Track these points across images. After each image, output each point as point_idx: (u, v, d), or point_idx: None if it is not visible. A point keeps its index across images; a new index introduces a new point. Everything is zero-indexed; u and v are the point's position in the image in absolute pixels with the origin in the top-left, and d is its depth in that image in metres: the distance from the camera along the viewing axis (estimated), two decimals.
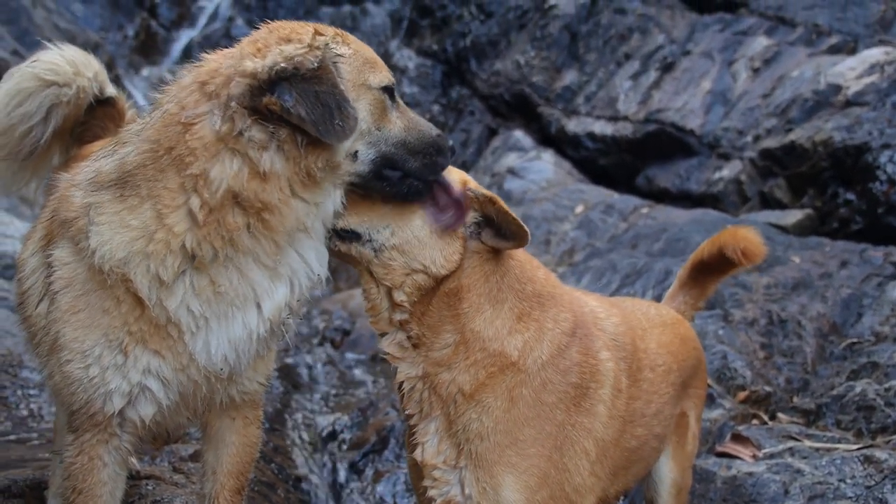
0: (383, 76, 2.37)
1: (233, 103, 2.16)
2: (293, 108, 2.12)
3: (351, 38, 2.40)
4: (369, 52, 2.42)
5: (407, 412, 2.54)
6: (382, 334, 2.52)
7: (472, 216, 2.49)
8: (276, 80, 2.14)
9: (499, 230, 2.48)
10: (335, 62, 2.26)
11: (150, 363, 2.29)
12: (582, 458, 2.53)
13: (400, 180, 2.38)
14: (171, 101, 2.26)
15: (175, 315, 2.25)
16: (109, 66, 9.40)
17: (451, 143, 2.51)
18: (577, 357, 2.56)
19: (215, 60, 2.28)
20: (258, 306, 2.29)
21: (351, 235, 2.42)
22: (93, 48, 9.47)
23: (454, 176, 2.52)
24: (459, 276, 2.44)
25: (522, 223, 2.45)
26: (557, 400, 2.49)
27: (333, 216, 2.36)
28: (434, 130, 2.48)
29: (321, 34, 2.30)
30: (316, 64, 2.19)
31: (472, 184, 2.53)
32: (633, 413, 2.73)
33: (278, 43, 2.24)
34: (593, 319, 2.72)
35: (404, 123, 2.41)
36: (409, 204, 2.43)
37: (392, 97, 2.41)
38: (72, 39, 3.31)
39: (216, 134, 2.17)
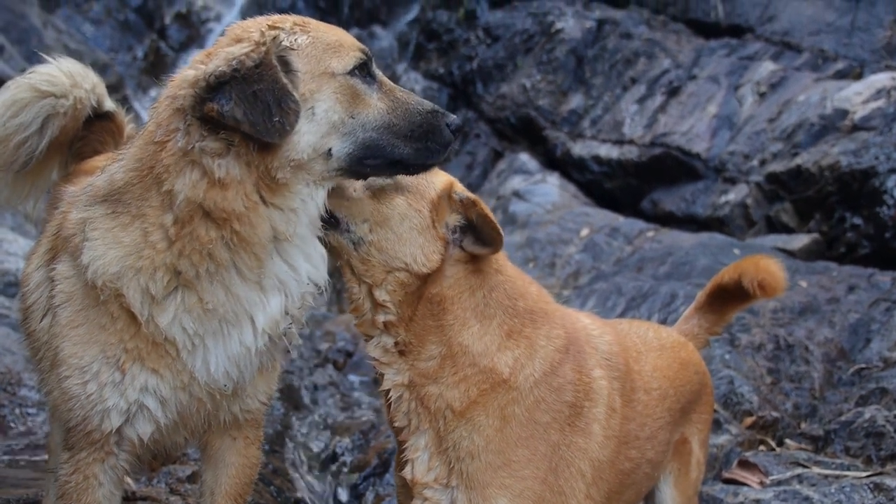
0: (350, 58, 2.22)
1: (188, 116, 2.12)
2: (229, 112, 2.03)
3: (313, 24, 2.27)
4: (333, 35, 2.27)
5: (395, 425, 2.48)
6: (368, 338, 2.45)
7: (455, 218, 2.42)
8: (217, 86, 2.06)
9: (478, 235, 2.41)
10: (283, 56, 2.15)
11: (148, 381, 2.26)
12: (578, 479, 2.47)
13: (389, 165, 2.24)
14: (152, 117, 2.25)
15: (169, 333, 2.21)
16: (118, 86, 9.46)
17: (452, 119, 2.30)
18: (571, 375, 2.50)
19: (183, 71, 2.22)
20: (252, 321, 2.24)
21: (330, 220, 2.34)
22: (102, 69, 9.54)
23: (440, 178, 2.46)
24: (441, 283, 2.38)
25: (500, 229, 2.38)
26: (551, 419, 2.43)
27: (317, 219, 2.24)
28: (426, 107, 2.30)
29: (275, 27, 2.20)
30: (256, 62, 2.08)
31: (458, 187, 2.47)
32: (627, 434, 2.67)
33: (229, 44, 2.17)
34: (586, 337, 2.66)
35: (387, 104, 2.26)
36: (389, 198, 2.33)
37: (367, 77, 2.25)
38: (81, 60, 3.30)
39: (180, 149, 2.13)
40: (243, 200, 2.12)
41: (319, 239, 2.30)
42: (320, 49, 2.20)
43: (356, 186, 2.37)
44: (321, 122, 2.17)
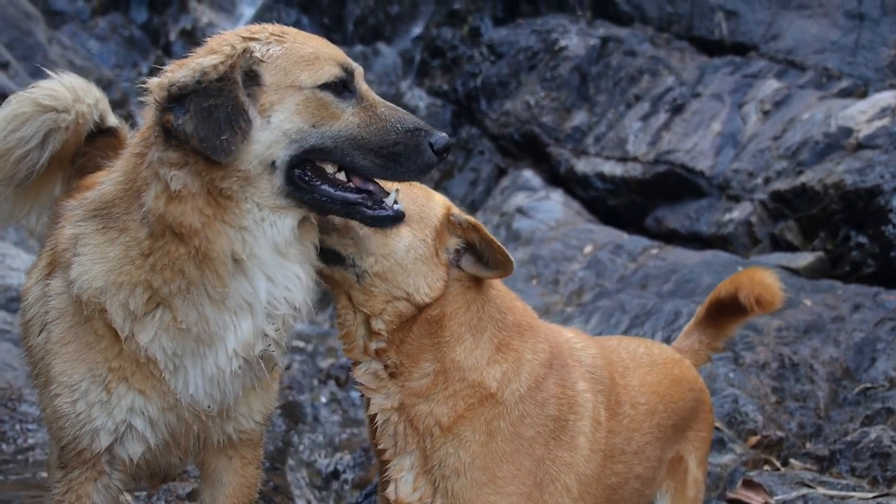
0: (322, 73, 2.13)
1: (156, 126, 2.10)
2: (180, 126, 2.00)
3: (292, 35, 2.20)
4: (310, 46, 2.18)
5: (380, 447, 2.45)
6: (356, 363, 2.43)
7: (454, 242, 2.42)
8: (178, 96, 2.02)
9: (480, 258, 2.41)
10: (252, 68, 2.10)
11: (135, 401, 2.23)
12: (563, 495, 2.44)
13: (332, 198, 2.14)
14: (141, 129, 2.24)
15: (150, 351, 2.18)
16: (123, 102, 9.50)
17: (438, 138, 2.16)
18: (555, 389, 2.49)
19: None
20: (225, 342, 2.19)
21: (334, 257, 2.33)
22: (107, 85, 9.58)
23: (437, 201, 2.45)
24: (443, 304, 2.37)
25: (508, 252, 2.37)
26: (536, 434, 2.42)
27: (285, 245, 2.16)
28: (407, 125, 2.16)
29: (251, 38, 2.15)
30: (220, 75, 2.04)
31: (455, 210, 2.47)
32: (612, 448, 2.64)
33: (204, 55, 2.13)
34: (569, 351, 2.65)
35: (362, 119, 2.15)
36: (394, 230, 2.29)
37: (344, 91, 2.16)
38: (86, 76, 3.29)
39: (151, 160, 2.10)
40: (198, 215, 2.07)
41: (311, 266, 2.26)
42: (291, 61, 2.13)
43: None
44: (274, 132, 2.10)
